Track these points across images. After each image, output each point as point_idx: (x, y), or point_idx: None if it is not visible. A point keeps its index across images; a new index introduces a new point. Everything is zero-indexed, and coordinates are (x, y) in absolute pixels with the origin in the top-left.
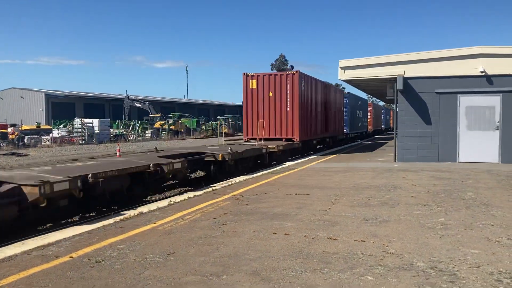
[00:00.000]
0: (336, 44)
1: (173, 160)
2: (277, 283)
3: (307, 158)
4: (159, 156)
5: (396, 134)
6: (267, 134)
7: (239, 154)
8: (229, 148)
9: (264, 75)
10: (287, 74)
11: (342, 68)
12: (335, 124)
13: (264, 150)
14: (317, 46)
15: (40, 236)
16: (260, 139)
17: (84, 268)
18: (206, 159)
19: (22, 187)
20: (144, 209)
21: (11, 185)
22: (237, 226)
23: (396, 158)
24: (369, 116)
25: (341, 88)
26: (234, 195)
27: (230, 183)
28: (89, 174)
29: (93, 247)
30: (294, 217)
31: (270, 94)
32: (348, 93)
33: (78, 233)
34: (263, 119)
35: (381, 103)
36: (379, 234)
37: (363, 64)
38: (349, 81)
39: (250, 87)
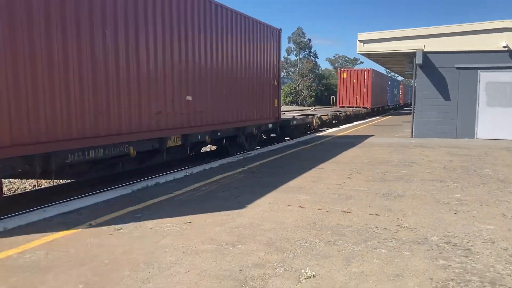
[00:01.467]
0: (355, 17)
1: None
2: (291, 253)
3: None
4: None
5: (414, 109)
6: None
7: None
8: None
9: (350, 70)
10: (365, 70)
11: (360, 41)
12: (382, 98)
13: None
14: (335, 19)
15: (61, 203)
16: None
17: (103, 235)
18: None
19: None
20: (161, 179)
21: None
22: (252, 197)
23: (413, 133)
24: (400, 92)
25: (359, 61)
26: (250, 168)
27: (245, 156)
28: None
29: (111, 215)
30: (309, 190)
31: (355, 81)
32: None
33: (97, 201)
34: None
35: (400, 78)
36: (393, 208)
37: (382, 37)
38: (368, 55)
39: (342, 77)
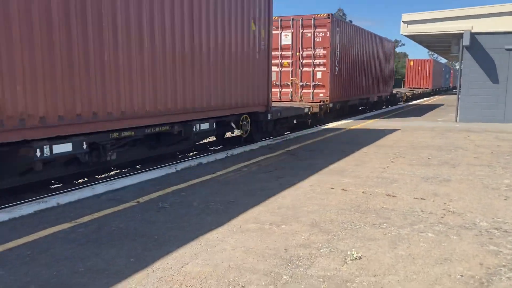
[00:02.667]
0: None
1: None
2: (335, 235)
3: (351, 120)
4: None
5: (459, 92)
6: (418, 85)
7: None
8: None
9: (416, 60)
10: (427, 60)
11: (404, 22)
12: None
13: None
14: (377, 1)
15: (108, 181)
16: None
17: (151, 212)
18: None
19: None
20: (203, 160)
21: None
22: (293, 180)
23: (458, 117)
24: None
25: (400, 43)
26: (289, 150)
27: (284, 139)
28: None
29: (158, 193)
30: (351, 173)
31: (419, 68)
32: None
33: (143, 180)
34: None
35: (443, 61)
36: (439, 193)
37: (428, 18)
38: (412, 37)
39: (410, 65)
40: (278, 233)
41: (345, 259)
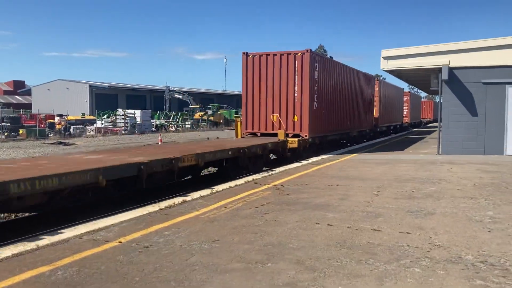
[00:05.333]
0: (377, 35)
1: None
2: (322, 272)
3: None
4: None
5: (440, 125)
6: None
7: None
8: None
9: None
10: (295, 54)
11: (384, 58)
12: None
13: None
14: (357, 36)
15: (90, 221)
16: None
17: (133, 253)
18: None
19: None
20: (187, 197)
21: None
22: (279, 215)
23: (440, 150)
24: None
25: (381, 78)
26: (275, 185)
27: (270, 174)
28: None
29: (140, 233)
30: (337, 208)
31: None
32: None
33: (125, 219)
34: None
35: (423, 94)
36: (424, 226)
37: (407, 53)
38: (392, 71)
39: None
40: (264, 272)
41: None
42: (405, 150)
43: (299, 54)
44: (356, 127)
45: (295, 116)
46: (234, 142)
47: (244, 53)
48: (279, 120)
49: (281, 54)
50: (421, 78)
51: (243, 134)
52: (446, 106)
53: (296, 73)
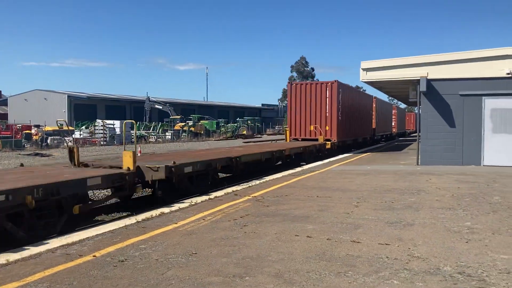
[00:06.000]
0: (357, 46)
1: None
2: (300, 286)
3: (329, 160)
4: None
5: (419, 136)
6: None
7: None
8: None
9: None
10: (326, 84)
11: (364, 69)
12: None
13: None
14: (338, 48)
15: (64, 235)
16: (303, 139)
17: (107, 267)
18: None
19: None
20: (165, 209)
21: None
22: (259, 227)
23: (419, 161)
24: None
25: (361, 89)
26: (255, 196)
27: (250, 185)
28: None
29: (116, 246)
30: (316, 219)
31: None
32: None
33: (101, 232)
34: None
35: (403, 106)
36: (403, 237)
37: (386, 65)
38: (371, 83)
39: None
40: (242, 286)
41: None
42: (402, 151)
43: (330, 83)
44: (362, 135)
45: (327, 126)
46: (293, 143)
47: (289, 82)
48: (316, 129)
49: (316, 84)
50: (400, 90)
51: (290, 139)
52: (424, 117)
53: (327, 97)
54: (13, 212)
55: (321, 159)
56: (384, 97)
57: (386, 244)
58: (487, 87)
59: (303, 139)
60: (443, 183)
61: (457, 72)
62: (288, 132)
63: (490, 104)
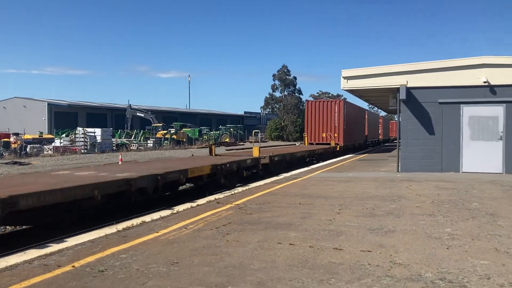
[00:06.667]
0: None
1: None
2: None
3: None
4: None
5: (399, 144)
6: (321, 140)
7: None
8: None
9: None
10: (335, 101)
11: (344, 78)
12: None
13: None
14: (319, 56)
15: (42, 245)
16: (317, 143)
17: (86, 278)
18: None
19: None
20: (146, 218)
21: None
22: (241, 236)
23: (399, 168)
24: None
25: (342, 98)
26: (237, 204)
27: (233, 193)
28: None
29: (95, 256)
30: (299, 227)
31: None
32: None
33: (80, 242)
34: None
35: (383, 113)
36: (385, 244)
37: (366, 74)
38: (352, 91)
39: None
40: None
41: None
42: (383, 159)
43: (337, 101)
44: (358, 140)
45: (335, 133)
46: (313, 146)
47: (307, 100)
48: (327, 135)
49: (327, 101)
50: (380, 98)
51: (308, 143)
52: (404, 125)
53: (336, 111)
54: (326, 153)
55: (335, 157)
56: (365, 105)
57: (368, 251)
58: (465, 95)
59: (317, 143)
60: (423, 190)
61: (436, 80)
62: (306, 138)
63: (468, 111)
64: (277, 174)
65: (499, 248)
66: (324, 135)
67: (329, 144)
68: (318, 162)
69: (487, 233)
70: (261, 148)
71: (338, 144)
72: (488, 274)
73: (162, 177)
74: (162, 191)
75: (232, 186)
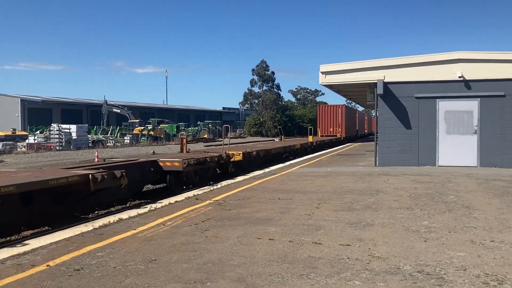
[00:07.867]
0: (317, 50)
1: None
2: None
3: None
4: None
5: (377, 138)
6: (329, 133)
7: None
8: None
9: (328, 106)
10: (339, 106)
11: (323, 73)
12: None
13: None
14: (298, 51)
15: (15, 243)
16: (326, 135)
17: (62, 277)
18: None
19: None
20: (124, 215)
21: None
22: (220, 231)
23: (377, 162)
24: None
25: (320, 93)
26: (216, 200)
27: (211, 189)
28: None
29: (71, 255)
30: (278, 221)
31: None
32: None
33: (55, 240)
34: (331, 127)
35: (361, 109)
36: (364, 238)
37: (344, 69)
38: (330, 86)
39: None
40: None
41: None
42: (360, 153)
43: (341, 106)
44: (352, 133)
45: (339, 128)
46: (326, 137)
47: (319, 105)
48: (334, 130)
49: (333, 106)
50: (358, 93)
51: (319, 136)
52: (381, 119)
53: (339, 113)
54: (337, 141)
55: (340, 145)
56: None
57: (347, 244)
58: (441, 90)
59: (326, 136)
60: (401, 184)
61: (413, 75)
62: (319, 132)
63: (444, 106)
64: (253, 170)
65: (474, 240)
66: (331, 129)
67: (336, 136)
68: (313, 153)
69: (463, 226)
70: (240, 144)
71: (341, 136)
72: (464, 266)
73: None
74: None
75: (203, 184)
